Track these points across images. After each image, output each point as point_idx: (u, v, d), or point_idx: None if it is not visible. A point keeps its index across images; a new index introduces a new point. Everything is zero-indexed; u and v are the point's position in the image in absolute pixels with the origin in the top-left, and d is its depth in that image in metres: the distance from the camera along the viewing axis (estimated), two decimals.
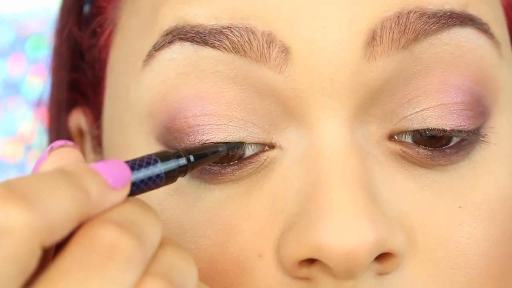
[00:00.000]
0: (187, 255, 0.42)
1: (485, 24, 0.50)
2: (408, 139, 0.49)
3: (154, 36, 0.50)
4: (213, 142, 0.48)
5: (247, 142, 0.49)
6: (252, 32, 0.47)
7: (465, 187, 0.50)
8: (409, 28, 0.48)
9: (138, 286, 0.39)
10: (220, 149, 0.48)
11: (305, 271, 0.47)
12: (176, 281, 0.40)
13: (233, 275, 0.48)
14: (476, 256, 0.49)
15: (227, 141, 0.48)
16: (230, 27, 0.47)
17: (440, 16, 0.48)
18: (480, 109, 0.50)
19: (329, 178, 0.46)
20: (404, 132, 0.49)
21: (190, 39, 0.48)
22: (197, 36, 0.48)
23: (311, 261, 0.47)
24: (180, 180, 0.48)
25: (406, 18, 0.47)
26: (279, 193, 0.49)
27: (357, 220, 0.45)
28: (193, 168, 0.46)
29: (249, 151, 0.49)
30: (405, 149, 0.49)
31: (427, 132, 0.49)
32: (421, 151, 0.49)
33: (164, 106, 0.49)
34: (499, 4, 0.54)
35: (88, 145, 0.62)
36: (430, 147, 0.49)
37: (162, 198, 0.49)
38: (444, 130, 0.49)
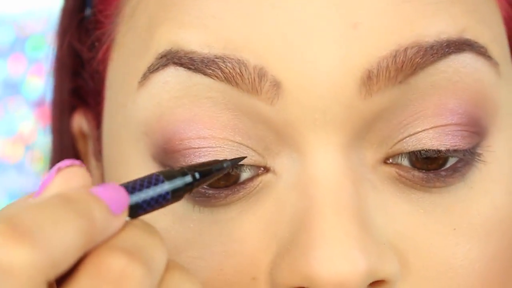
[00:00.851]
0: (195, 279, 0.42)
1: (483, 47, 0.49)
2: (404, 161, 0.49)
3: (149, 57, 0.50)
4: (216, 160, 0.48)
5: (244, 164, 0.49)
6: (244, 65, 0.47)
7: (461, 208, 0.50)
8: (406, 64, 0.47)
9: None
10: (224, 165, 0.48)
11: None
12: None
13: None
14: (471, 277, 0.49)
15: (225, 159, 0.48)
16: (223, 57, 0.47)
17: (438, 48, 0.48)
18: (476, 129, 0.50)
19: (321, 206, 0.46)
20: (400, 154, 0.49)
21: (183, 65, 0.48)
22: (190, 62, 0.48)
23: None
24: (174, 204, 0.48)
25: (404, 55, 0.47)
26: (273, 218, 0.49)
27: (348, 250, 0.45)
28: (198, 185, 0.46)
29: (245, 174, 0.49)
30: (401, 172, 0.49)
31: (422, 154, 0.49)
32: (417, 174, 0.49)
33: (159, 127, 0.49)
34: (499, 18, 0.54)
35: (90, 148, 0.62)
36: (426, 169, 0.49)
37: (157, 217, 0.49)
38: (439, 151, 0.49)
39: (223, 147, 0.49)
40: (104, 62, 0.56)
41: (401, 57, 0.47)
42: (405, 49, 0.47)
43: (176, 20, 0.49)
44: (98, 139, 0.59)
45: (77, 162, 0.41)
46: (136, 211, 0.42)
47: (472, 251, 0.49)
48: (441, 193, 0.50)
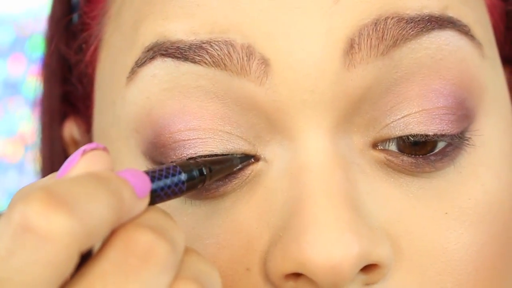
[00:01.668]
0: (210, 262, 0.43)
1: (466, 26, 0.50)
2: (392, 146, 0.49)
3: (136, 52, 0.50)
4: (223, 154, 0.49)
5: (234, 154, 0.49)
6: (231, 45, 0.47)
7: (451, 192, 0.50)
8: (387, 34, 0.48)
9: None
10: (234, 162, 0.48)
11: (291, 284, 0.47)
12: (206, 284, 0.40)
13: None
14: (464, 261, 0.49)
15: (214, 153, 0.49)
16: (210, 42, 0.48)
17: (419, 20, 0.48)
18: (463, 112, 0.50)
19: (312, 192, 0.47)
20: (388, 139, 0.49)
21: (171, 55, 0.49)
22: (178, 52, 0.48)
23: (297, 275, 0.47)
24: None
25: (384, 24, 0.47)
26: (265, 207, 0.49)
27: (340, 234, 0.45)
28: (210, 178, 0.47)
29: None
30: (390, 157, 0.49)
31: (410, 139, 0.49)
32: (406, 159, 0.49)
33: (149, 121, 0.50)
34: (482, 4, 0.54)
35: None
36: (415, 154, 0.49)
37: None
38: (427, 135, 0.49)
39: (213, 138, 0.49)
40: (92, 63, 0.57)
41: (382, 25, 0.47)
42: (386, 19, 0.47)
43: (161, 12, 0.50)
44: (90, 141, 0.59)
45: (101, 145, 0.42)
46: (154, 198, 0.43)
47: (464, 236, 0.49)
48: (430, 178, 0.50)
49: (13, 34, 1.90)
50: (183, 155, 0.49)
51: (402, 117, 0.49)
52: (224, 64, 0.48)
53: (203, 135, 0.49)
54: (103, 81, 0.55)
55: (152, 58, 0.49)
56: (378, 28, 0.47)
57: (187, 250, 0.42)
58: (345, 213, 0.46)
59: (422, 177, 0.50)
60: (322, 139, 0.48)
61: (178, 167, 0.44)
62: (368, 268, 0.47)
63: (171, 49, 0.49)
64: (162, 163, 0.49)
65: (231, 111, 0.49)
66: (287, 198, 0.48)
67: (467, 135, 0.50)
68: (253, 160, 0.49)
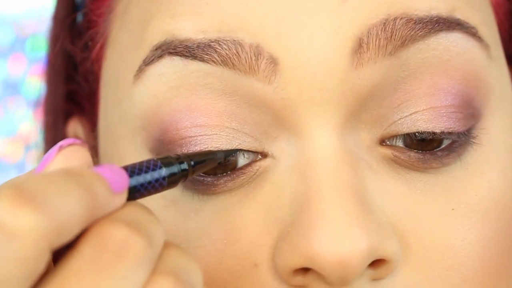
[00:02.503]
0: (191, 256, 0.42)
1: (473, 27, 0.50)
2: (399, 143, 0.49)
3: (144, 51, 0.50)
4: (210, 150, 0.49)
5: (241, 151, 0.49)
6: (239, 45, 0.47)
7: (458, 188, 0.50)
8: (395, 34, 0.48)
9: (148, 285, 0.39)
10: (218, 155, 0.48)
11: (300, 279, 0.47)
12: (184, 279, 0.40)
13: (229, 284, 0.49)
14: (471, 257, 0.49)
15: (220, 150, 0.49)
16: (218, 41, 0.48)
17: (427, 21, 0.48)
18: (470, 111, 0.50)
19: (320, 187, 0.47)
20: (395, 136, 0.49)
21: (179, 54, 0.49)
22: (186, 50, 0.48)
23: (306, 269, 0.47)
24: (174, 191, 0.49)
25: (393, 24, 0.47)
26: (273, 202, 0.49)
27: (349, 228, 0.45)
28: (193, 173, 0.46)
29: (242, 160, 0.49)
30: (397, 154, 0.49)
31: (417, 135, 0.49)
32: (413, 154, 0.49)
33: (156, 119, 0.50)
34: (488, 4, 0.54)
35: None
36: (421, 150, 0.49)
37: (158, 209, 0.49)
38: (434, 133, 0.49)
39: (219, 134, 0.49)
40: (98, 61, 0.56)
41: (390, 26, 0.47)
42: (394, 19, 0.48)
43: (169, 11, 0.50)
44: (94, 140, 0.58)
45: (78, 141, 0.41)
46: (133, 194, 0.42)
47: (471, 232, 0.49)
48: (437, 174, 0.50)
49: (13, 34, 1.90)
50: (190, 151, 0.49)
51: (410, 114, 0.49)
52: (233, 63, 0.48)
53: (210, 131, 0.49)
54: (109, 79, 0.55)
55: (160, 56, 0.49)
56: (387, 28, 0.47)
57: (167, 245, 0.41)
58: (354, 208, 0.46)
59: (428, 173, 0.50)
60: (329, 135, 0.48)
61: (158, 161, 0.44)
62: (376, 263, 0.47)
63: (180, 47, 0.49)
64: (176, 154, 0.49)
65: (239, 108, 0.49)
66: (295, 193, 0.48)
67: (474, 133, 0.50)
68: (260, 157, 0.49)
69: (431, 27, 0.48)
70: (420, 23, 0.48)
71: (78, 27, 0.60)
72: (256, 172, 0.49)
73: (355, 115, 0.48)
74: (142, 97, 0.50)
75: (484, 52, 0.51)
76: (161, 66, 0.49)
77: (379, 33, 0.47)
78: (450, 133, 0.49)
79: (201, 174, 0.49)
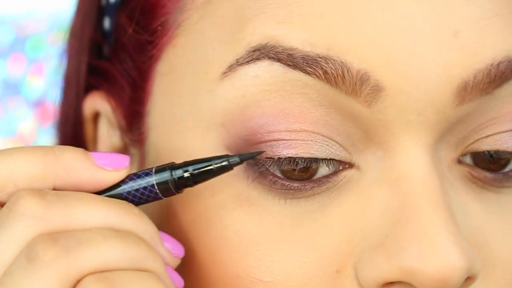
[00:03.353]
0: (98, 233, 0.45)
1: None
2: (476, 160, 0.51)
3: (238, 50, 0.49)
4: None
5: (331, 159, 0.49)
6: (347, 68, 0.47)
7: None
8: (497, 77, 0.49)
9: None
10: (230, 161, 0.48)
11: None
12: (70, 245, 0.43)
13: None
14: None
15: (315, 157, 0.49)
16: (326, 58, 0.47)
17: None
18: None
19: (417, 202, 0.47)
20: (472, 153, 0.51)
21: (281, 60, 0.48)
22: (289, 58, 0.48)
23: (392, 282, 0.48)
24: (249, 191, 0.49)
25: (496, 69, 0.49)
26: (359, 213, 0.49)
27: (451, 246, 0.46)
28: (196, 182, 0.48)
29: (323, 169, 0.49)
30: (473, 173, 0.51)
31: (493, 154, 0.51)
32: (488, 175, 0.51)
33: (242, 118, 0.49)
34: None
35: (104, 129, 0.61)
36: (488, 169, 0.51)
37: (231, 208, 0.50)
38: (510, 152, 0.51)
39: (315, 141, 0.49)
40: (162, 46, 0.55)
41: (494, 71, 0.48)
42: (498, 63, 0.49)
43: (275, 15, 0.49)
44: (133, 123, 0.57)
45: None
46: (126, 198, 0.47)
47: None
48: (509, 193, 0.52)
49: (13, 34, 1.90)
50: (281, 153, 0.49)
51: (491, 135, 0.51)
52: (336, 82, 0.48)
53: (305, 137, 0.49)
54: (179, 67, 0.53)
55: (258, 59, 0.49)
56: (491, 73, 0.48)
57: (111, 236, 0.45)
58: (452, 225, 0.47)
59: (500, 192, 0.51)
60: (421, 153, 0.49)
61: (153, 168, 0.46)
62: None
63: (282, 54, 0.48)
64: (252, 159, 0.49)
65: (333, 119, 0.49)
66: (387, 206, 0.48)
67: None
68: (347, 166, 0.50)
69: None
70: None
71: (138, 7, 0.57)
72: (339, 182, 0.50)
73: (442, 138, 0.50)
74: (228, 95, 0.50)
75: None
76: (256, 68, 0.49)
77: (484, 77, 0.48)
78: None
79: (285, 178, 0.49)
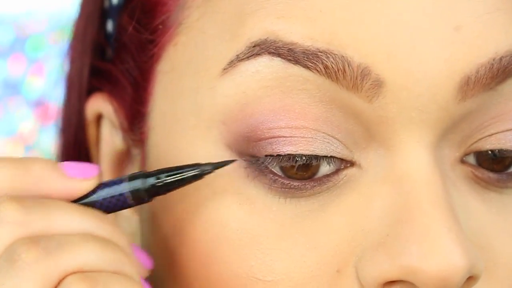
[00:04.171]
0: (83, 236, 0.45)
1: None
2: (479, 160, 0.51)
3: (239, 45, 0.49)
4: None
5: (332, 157, 0.49)
6: (348, 62, 0.47)
7: None
8: (500, 72, 0.49)
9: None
10: (203, 169, 0.48)
11: None
12: (49, 248, 0.44)
13: None
14: None
15: (315, 154, 0.49)
16: (327, 52, 0.47)
17: None
18: None
19: (419, 201, 0.47)
20: (475, 152, 0.51)
21: (281, 55, 0.48)
22: (289, 53, 0.48)
23: (393, 281, 0.48)
24: (249, 190, 0.49)
25: (499, 63, 0.48)
26: (360, 212, 0.49)
27: (454, 246, 0.46)
28: (168, 190, 0.48)
29: (324, 167, 0.49)
30: (477, 173, 0.51)
31: (496, 153, 0.50)
32: (492, 175, 0.51)
33: (242, 115, 0.49)
34: None
35: (107, 131, 0.60)
36: (492, 169, 0.51)
37: (232, 206, 0.50)
38: None
39: (315, 138, 0.49)
40: (163, 44, 0.55)
41: (497, 65, 0.48)
42: (501, 58, 0.48)
43: (275, 9, 0.49)
44: (135, 123, 0.57)
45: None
46: (99, 205, 0.47)
47: None
48: (511, 194, 0.51)
49: (13, 34, 1.90)
50: (281, 150, 0.48)
51: (495, 134, 0.50)
52: (337, 77, 0.47)
53: (306, 134, 0.48)
54: (180, 66, 0.53)
55: (258, 54, 0.48)
56: (494, 68, 0.48)
57: (89, 239, 0.45)
58: (454, 224, 0.47)
59: (503, 193, 0.51)
60: (424, 151, 0.48)
61: (127, 176, 0.47)
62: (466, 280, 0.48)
63: (282, 49, 0.48)
64: (252, 157, 0.49)
65: (334, 116, 0.49)
66: (388, 205, 0.48)
67: None
68: (348, 165, 0.50)
69: None
70: None
71: (139, 5, 0.57)
72: (341, 181, 0.49)
73: (445, 135, 0.49)
74: (228, 91, 0.50)
75: None
76: (257, 64, 0.49)
77: (486, 72, 0.48)
78: None
79: (286, 176, 0.49)
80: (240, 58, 0.49)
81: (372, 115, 0.48)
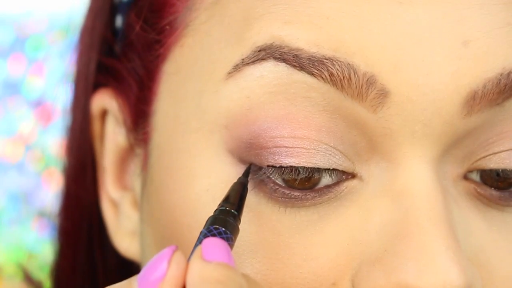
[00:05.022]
0: None
1: None
2: (483, 177, 0.50)
3: (244, 49, 0.49)
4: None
5: (334, 169, 0.49)
6: (354, 70, 0.47)
7: None
8: (508, 88, 0.48)
9: None
10: (246, 184, 0.48)
11: None
12: None
13: None
14: None
15: (317, 167, 0.48)
16: (332, 59, 0.47)
17: None
18: None
19: (418, 218, 0.47)
20: (479, 170, 0.50)
21: (286, 61, 0.48)
22: (295, 59, 0.47)
23: None
24: (253, 199, 0.49)
25: (506, 78, 0.48)
26: (358, 225, 0.49)
27: (451, 265, 0.46)
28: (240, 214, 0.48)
29: (326, 179, 0.49)
30: (479, 190, 0.50)
31: (500, 173, 0.50)
32: (494, 193, 0.50)
33: (245, 121, 0.49)
34: None
35: (111, 127, 0.60)
36: (496, 186, 0.50)
37: None
38: None
39: (317, 150, 0.48)
40: (170, 45, 0.54)
41: (504, 80, 0.48)
42: (509, 73, 0.48)
43: (282, 15, 0.48)
44: (138, 123, 0.56)
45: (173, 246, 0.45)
46: None
47: None
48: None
49: (13, 34, 1.90)
50: (283, 161, 0.48)
51: (499, 152, 0.50)
52: (342, 85, 0.47)
53: (308, 145, 0.48)
54: (185, 67, 0.53)
55: (263, 59, 0.48)
56: (501, 83, 0.48)
57: None
58: (453, 243, 0.47)
59: (505, 211, 0.51)
60: (425, 166, 0.48)
61: (219, 227, 0.46)
62: None
63: (288, 55, 0.47)
64: (252, 164, 0.49)
65: (337, 126, 0.48)
66: (387, 220, 0.48)
67: None
68: (350, 177, 0.49)
69: None
70: None
71: (154, 6, 0.57)
72: (341, 192, 0.49)
73: (448, 151, 0.49)
74: (232, 96, 0.49)
75: None
76: (262, 68, 0.48)
77: (494, 87, 0.48)
78: None
79: (287, 186, 0.49)
80: (245, 62, 0.49)
81: (376, 126, 0.48)
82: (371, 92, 0.47)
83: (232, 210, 0.46)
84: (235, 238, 0.46)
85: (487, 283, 0.49)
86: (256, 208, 0.49)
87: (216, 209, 0.47)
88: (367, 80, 0.47)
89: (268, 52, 0.48)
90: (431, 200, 0.47)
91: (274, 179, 0.48)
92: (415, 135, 0.48)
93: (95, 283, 0.64)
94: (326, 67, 0.47)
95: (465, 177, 0.50)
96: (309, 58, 0.47)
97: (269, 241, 0.49)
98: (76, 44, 0.64)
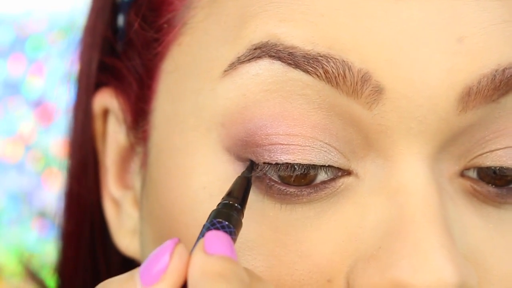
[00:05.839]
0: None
1: None
2: (473, 174, 0.50)
3: (240, 48, 0.49)
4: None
5: (330, 167, 0.49)
6: (348, 67, 0.47)
7: None
8: (503, 84, 0.48)
9: None
10: (249, 178, 0.48)
11: None
12: None
13: None
14: None
15: (313, 163, 0.48)
16: (327, 57, 0.47)
17: None
18: None
19: (413, 215, 0.47)
20: (475, 167, 0.50)
21: (281, 59, 0.48)
22: (290, 57, 0.48)
23: None
24: (250, 197, 0.49)
25: (502, 75, 0.48)
26: (354, 222, 0.49)
27: (445, 262, 0.46)
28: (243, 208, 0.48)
29: (322, 176, 0.49)
30: (476, 187, 0.50)
31: (498, 170, 0.50)
32: (491, 189, 0.50)
33: (241, 119, 0.49)
34: None
35: (112, 126, 0.60)
36: (493, 184, 0.50)
37: None
38: None
39: (312, 147, 0.48)
40: (168, 43, 0.55)
41: (499, 77, 0.48)
42: (504, 69, 0.48)
43: (277, 13, 0.49)
44: (138, 120, 0.56)
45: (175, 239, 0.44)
46: None
47: None
48: (510, 210, 0.51)
49: (13, 34, 1.91)
50: (278, 158, 0.48)
51: (496, 150, 0.50)
52: (337, 82, 0.47)
53: (303, 142, 0.48)
54: (183, 66, 0.53)
55: (259, 57, 0.48)
56: (496, 79, 0.48)
57: None
58: (447, 240, 0.46)
59: (502, 208, 0.51)
60: (421, 164, 0.48)
61: (223, 221, 0.46)
62: None
63: (283, 53, 0.48)
64: (249, 161, 0.49)
65: (332, 123, 0.48)
66: (382, 217, 0.48)
67: None
68: (345, 173, 0.49)
69: None
70: None
71: (147, 4, 0.57)
72: (338, 189, 0.49)
73: (444, 148, 0.49)
74: (228, 94, 0.49)
75: None
76: (257, 67, 0.49)
77: (489, 83, 0.48)
78: None
79: (283, 183, 0.49)
80: (241, 61, 0.49)
81: (371, 123, 0.48)
82: (366, 89, 0.47)
83: (236, 204, 0.47)
84: (238, 232, 0.46)
85: (483, 281, 0.49)
86: (252, 204, 0.49)
87: (220, 203, 0.47)
88: (362, 76, 0.47)
89: (264, 50, 0.48)
90: (426, 197, 0.47)
91: (270, 176, 0.48)
92: (411, 131, 0.48)
93: (98, 281, 0.64)
94: (321, 65, 0.47)
95: (462, 175, 0.50)
96: (304, 56, 0.47)
97: (265, 237, 0.49)
98: (77, 43, 0.64)
